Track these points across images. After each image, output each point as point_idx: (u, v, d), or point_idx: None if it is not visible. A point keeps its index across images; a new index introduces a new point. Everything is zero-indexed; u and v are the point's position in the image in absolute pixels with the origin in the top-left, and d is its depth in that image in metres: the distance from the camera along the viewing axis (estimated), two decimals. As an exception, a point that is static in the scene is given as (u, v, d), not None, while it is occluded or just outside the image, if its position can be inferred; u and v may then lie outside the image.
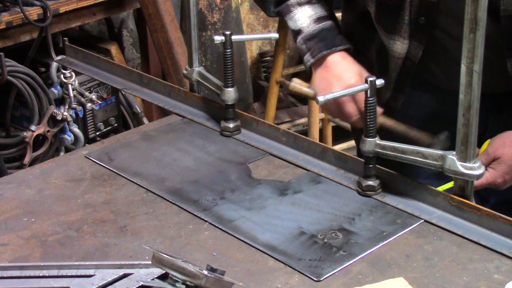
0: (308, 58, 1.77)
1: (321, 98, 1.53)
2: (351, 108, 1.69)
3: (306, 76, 1.88)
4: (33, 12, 2.88)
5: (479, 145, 1.58)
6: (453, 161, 1.44)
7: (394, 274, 1.35)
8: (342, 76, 1.70)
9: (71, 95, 3.05)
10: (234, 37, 1.82)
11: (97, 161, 1.77)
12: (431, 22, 1.65)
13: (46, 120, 2.97)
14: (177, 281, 1.21)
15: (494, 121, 1.71)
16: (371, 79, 1.51)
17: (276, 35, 1.88)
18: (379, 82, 1.52)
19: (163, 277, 1.26)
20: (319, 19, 1.78)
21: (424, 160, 1.50)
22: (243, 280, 1.33)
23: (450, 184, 1.57)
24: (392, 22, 1.70)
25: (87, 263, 1.35)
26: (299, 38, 1.79)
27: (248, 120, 1.86)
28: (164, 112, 2.19)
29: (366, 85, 1.52)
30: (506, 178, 1.60)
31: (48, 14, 2.89)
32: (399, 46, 1.71)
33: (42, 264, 1.36)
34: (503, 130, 1.65)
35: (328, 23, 1.78)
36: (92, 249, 1.44)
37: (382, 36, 1.75)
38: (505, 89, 1.72)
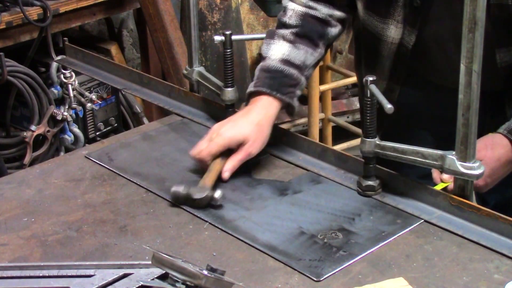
0: (251, 86, 1.74)
1: None
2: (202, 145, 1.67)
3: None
4: (33, 12, 2.87)
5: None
6: (453, 161, 1.44)
7: (394, 274, 1.35)
8: (235, 122, 1.68)
9: (71, 95, 3.04)
10: (234, 37, 1.82)
11: (97, 161, 1.77)
12: (425, 4, 1.65)
13: (46, 120, 2.97)
14: (177, 281, 1.21)
15: (491, 122, 1.70)
16: (367, 79, 1.51)
17: (276, 35, 1.88)
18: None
19: (163, 277, 1.26)
20: (287, 62, 1.73)
21: (424, 160, 1.50)
22: (243, 280, 1.33)
23: (445, 184, 1.57)
24: (386, 5, 1.70)
25: (87, 263, 1.35)
26: (260, 64, 1.76)
27: (248, 120, 1.86)
28: (164, 112, 2.19)
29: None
30: (488, 180, 1.60)
31: (48, 14, 2.89)
32: (393, 30, 1.71)
33: (42, 264, 1.36)
34: None
35: (291, 70, 1.73)
36: (92, 249, 1.44)
37: (374, 24, 1.74)
38: (496, 84, 1.71)
